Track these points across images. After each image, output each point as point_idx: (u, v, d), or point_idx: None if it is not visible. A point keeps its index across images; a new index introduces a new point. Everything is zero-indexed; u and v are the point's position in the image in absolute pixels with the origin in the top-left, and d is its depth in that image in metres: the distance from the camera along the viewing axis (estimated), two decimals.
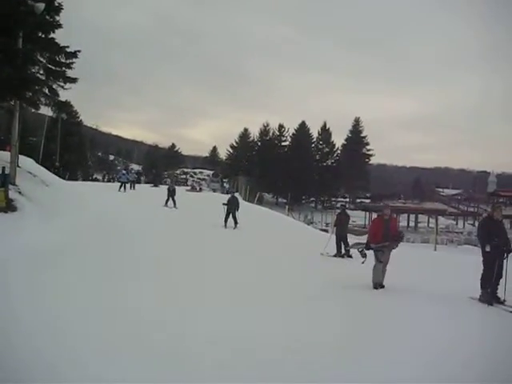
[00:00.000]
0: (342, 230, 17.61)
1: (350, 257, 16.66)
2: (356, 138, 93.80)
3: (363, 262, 11.24)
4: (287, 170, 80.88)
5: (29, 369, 5.33)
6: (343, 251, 16.94)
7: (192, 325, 7.30)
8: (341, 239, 17.22)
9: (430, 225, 65.83)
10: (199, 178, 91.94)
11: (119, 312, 7.66)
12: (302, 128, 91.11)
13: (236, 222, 22.09)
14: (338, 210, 19.86)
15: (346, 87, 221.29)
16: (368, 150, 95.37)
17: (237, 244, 17.46)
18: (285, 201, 72.52)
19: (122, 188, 33.39)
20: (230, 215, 22.16)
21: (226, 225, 21.94)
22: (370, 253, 11.17)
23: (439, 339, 7.20)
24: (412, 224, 70.79)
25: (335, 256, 16.74)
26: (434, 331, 7.63)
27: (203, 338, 6.67)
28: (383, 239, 10.91)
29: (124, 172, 37.86)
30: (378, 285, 10.90)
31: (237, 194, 46.38)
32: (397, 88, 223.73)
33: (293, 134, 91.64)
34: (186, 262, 12.86)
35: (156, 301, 8.43)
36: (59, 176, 30.28)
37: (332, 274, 12.94)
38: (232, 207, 22.26)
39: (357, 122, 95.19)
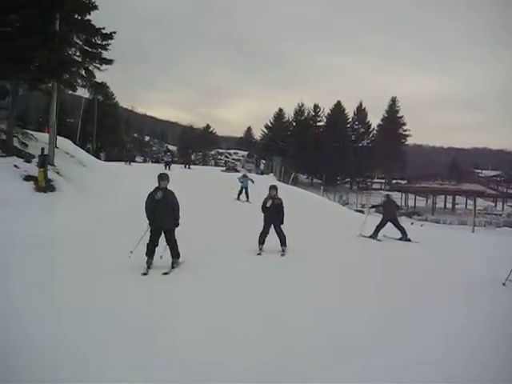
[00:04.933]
0: (390, 215, 16.90)
1: (379, 240, 16.21)
2: (392, 118, 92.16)
3: None
4: (322, 150, 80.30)
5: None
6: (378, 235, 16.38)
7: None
8: (387, 222, 16.55)
9: (468, 206, 64.82)
10: (234, 159, 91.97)
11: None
12: (338, 108, 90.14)
13: (283, 240, 12.45)
14: (384, 198, 18.64)
15: (382, 67, 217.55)
16: (404, 131, 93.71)
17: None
18: (320, 182, 72.00)
19: (167, 167, 36.08)
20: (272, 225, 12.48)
21: (262, 243, 12.37)
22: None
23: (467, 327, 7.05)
24: (449, 205, 69.78)
25: (371, 237, 16.27)
26: (466, 319, 7.44)
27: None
28: None
29: (169, 154, 47.79)
30: None
31: (270, 176, 46.48)
32: (434, 69, 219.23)
33: (328, 115, 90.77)
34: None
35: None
36: (95, 156, 30.79)
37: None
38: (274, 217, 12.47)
39: (393, 101, 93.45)
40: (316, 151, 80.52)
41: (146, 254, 9.88)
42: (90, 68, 19.85)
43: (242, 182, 24.54)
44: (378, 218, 17.35)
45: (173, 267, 9.98)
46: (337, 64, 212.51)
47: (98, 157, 36.20)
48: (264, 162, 67.47)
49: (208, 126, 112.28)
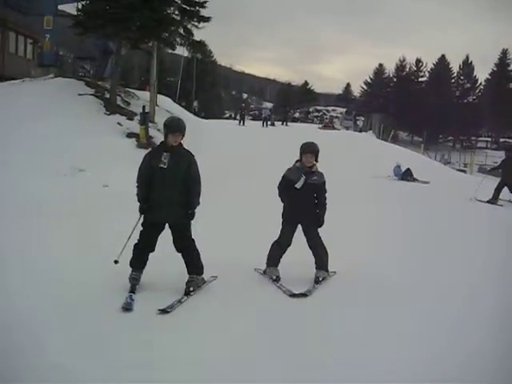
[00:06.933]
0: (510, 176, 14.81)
1: (500, 205, 14.55)
2: (502, 71, 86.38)
3: None
4: (424, 107, 77.17)
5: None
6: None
7: None
8: (505, 184, 14.73)
9: None
10: (332, 116, 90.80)
11: None
12: (442, 62, 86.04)
13: (322, 260, 6.26)
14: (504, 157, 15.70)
15: (491, 16, 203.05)
16: None
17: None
18: (420, 139, 69.43)
19: (265, 123, 38.38)
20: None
21: (275, 264, 6.27)
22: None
23: None
24: None
25: (490, 202, 14.49)
26: None
27: None
28: None
29: (266, 110, 47.78)
30: None
31: (369, 134, 45.27)
32: None
33: (431, 69, 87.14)
34: None
35: None
36: (195, 114, 31.53)
37: None
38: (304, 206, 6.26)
39: (504, 54, 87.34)
40: (417, 108, 77.48)
41: (132, 265, 5.58)
42: (189, 26, 20.05)
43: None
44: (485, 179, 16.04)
45: (188, 293, 5.54)
46: (441, 15, 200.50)
47: (198, 115, 37.16)
48: (363, 119, 66.12)
49: (306, 83, 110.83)
